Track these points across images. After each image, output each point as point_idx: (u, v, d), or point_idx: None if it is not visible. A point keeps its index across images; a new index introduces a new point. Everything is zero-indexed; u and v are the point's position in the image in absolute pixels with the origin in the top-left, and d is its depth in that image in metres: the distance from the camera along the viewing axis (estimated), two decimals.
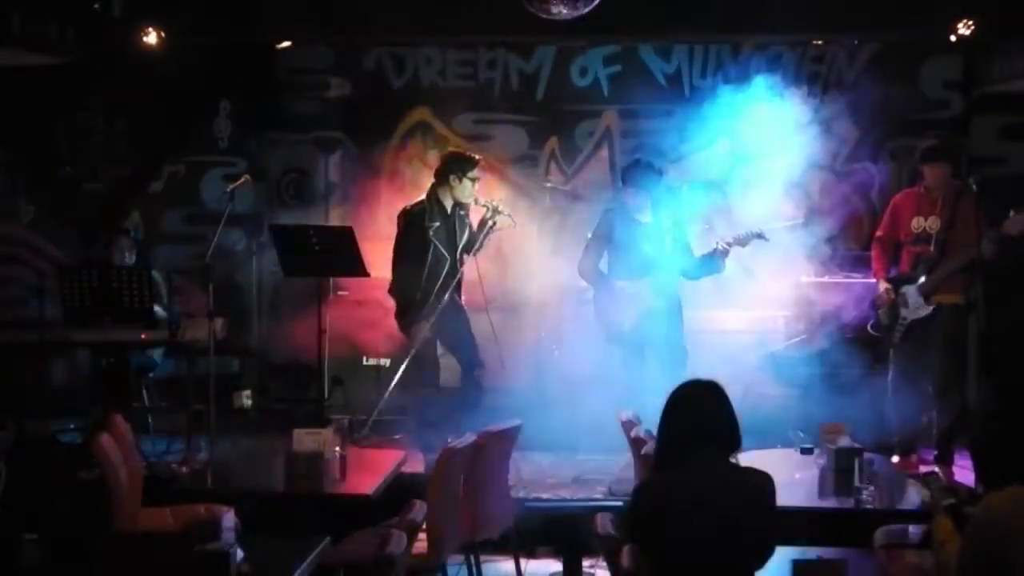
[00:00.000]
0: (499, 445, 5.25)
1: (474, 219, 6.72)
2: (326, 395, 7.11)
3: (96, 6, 7.65)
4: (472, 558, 5.20)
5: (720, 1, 7.62)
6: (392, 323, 6.82)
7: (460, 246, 6.64)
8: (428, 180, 6.84)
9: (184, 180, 8.80)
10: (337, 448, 4.92)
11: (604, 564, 4.46)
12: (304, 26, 8.00)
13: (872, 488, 4.74)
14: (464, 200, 6.63)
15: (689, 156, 8.33)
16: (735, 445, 3.63)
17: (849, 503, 4.74)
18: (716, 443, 3.58)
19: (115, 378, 6.93)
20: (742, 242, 6.66)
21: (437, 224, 6.55)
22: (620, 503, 5.48)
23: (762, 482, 3.58)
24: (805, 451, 5.43)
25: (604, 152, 8.62)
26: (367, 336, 7.41)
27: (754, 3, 7.59)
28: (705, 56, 8.47)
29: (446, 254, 6.57)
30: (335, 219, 8.09)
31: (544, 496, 6.12)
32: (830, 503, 4.79)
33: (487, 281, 6.98)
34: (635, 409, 5.48)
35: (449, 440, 5.21)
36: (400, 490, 5.12)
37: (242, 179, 6.93)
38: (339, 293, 7.69)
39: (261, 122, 8.48)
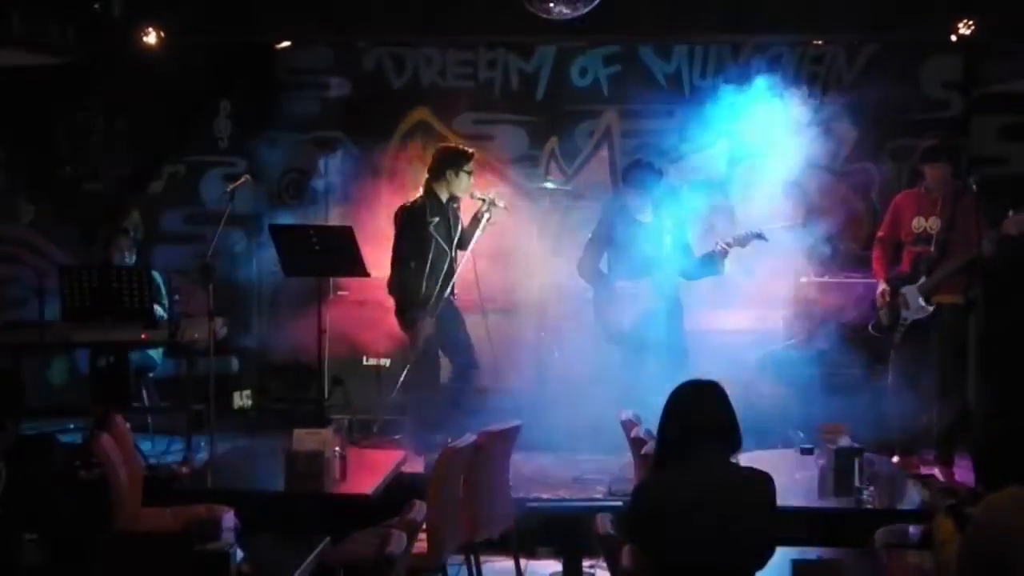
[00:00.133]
0: (499, 445, 5.25)
1: (467, 213, 6.73)
2: (326, 395, 7.11)
3: (96, 6, 7.65)
4: (472, 558, 5.20)
5: (720, 1, 7.62)
6: (392, 323, 6.83)
7: (455, 240, 6.67)
8: None
9: (184, 180, 8.80)
10: (337, 448, 4.92)
11: (604, 564, 4.46)
12: (304, 26, 8.00)
13: (872, 488, 4.74)
14: (460, 194, 6.66)
15: (689, 156, 8.34)
16: (735, 445, 3.63)
17: (849, 503, 4.74)
18: (716, 443, 3.58)
19: (115, 378, 6.93)
20: (742, 243, 6.66)
21: (437, 219, 6.58)
22: (620, 503, 5.48)
23: (762, 482, 3.58)
24: (805, 451, 5.42)
25: (604, 152, 8.62)
26: (367, 336, 7.42)
27: (754, 3, 7.59)
28: (705, 56, 8.47)
29: (446, 248, 6.60)
30: (335, 219, 8.08)
31: (544, 496, 6.12)
32: (830, 503, 4.78)
33: (487, 281, 7.00)
34: (635, 409, 5.47)
35: (449, 440, 5.21)
36: (400, 490, 5.12)
37: (242, 179, 6.93)
38: (339, 293, 7.69)
39: (261, 122, 8.48)
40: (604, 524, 3.98)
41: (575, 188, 8.36)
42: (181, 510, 4.78)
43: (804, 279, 7.44)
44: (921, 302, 6.46)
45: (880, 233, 6.81)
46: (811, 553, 3.82)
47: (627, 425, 5.32)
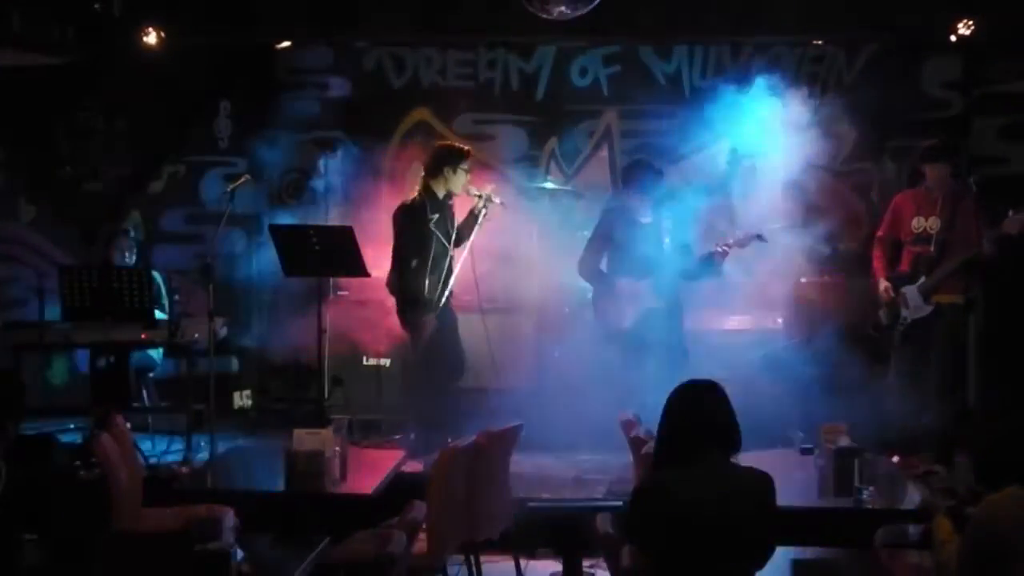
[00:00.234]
0: (499, 445, 5.24)
1: (461, 210, 6.74)
2: (326, 395, 7.10)
3: (96, 6, 7.66)
4: (472, 558, 5.20)
5: (720, 1, 7.62)
6: (392, 323, 6.83)
7: (452, 237, 6.68)
8: None
9: (184, 180, 8.81)
10: (337, 448, 4.92)
11: (604, 564, 4.46)
12: (304, 26, 8.01)
13: (872, 488, 4.74)
14: (457, 191, 6.67)
15: (689, 156, 8.34)
16: (735, 445, 3.63)
17: (849, 503, 4.73)
18: (716, 443, 3.57)
19: (115, 378, 6.93)
20: (741, 244, 6.66)
21: (437, 216, 6.59)
22: (620, 503, 5.47)
23: (762, 482, 3.58)
24: (805, 451, 5.42)
25: (604, 152, 8.63)
26: (367, 336, 7.42)
27: (754, 3, 7.60)
28: (705, 56, 8.47)
29: (447, 245, 6.61)
30: (335, 219, 8.08)
31: (544, 496, 6.12)
32: (830, 503, 4.78)
33: (487, 281, 7.00)
34: (635, 409, 5.47)
35: (449, 440, 5.21)
36: (400, 490, 5.12)
37: (242, 179, 6.93)
38: (339, 293, 7.69)
39: (261, 122, 8.48)
40: (604, 524, 3.98)
41: (575, 188, 8.36)
42: (181, 510, 4.77)
43: (804, 279, 7.44)
44: (921, 302, 6.47)
45: (880, 233, 6.81)
46: (811, 553, 3.82)
47: (627, 425, 5.32)
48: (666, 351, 6.62)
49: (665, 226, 6.74)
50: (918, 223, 6.52)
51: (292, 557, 3.75)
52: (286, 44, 8.44)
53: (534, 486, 6.24)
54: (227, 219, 6.70)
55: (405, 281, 6.56)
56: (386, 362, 7.53)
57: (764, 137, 7.45)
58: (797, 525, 4.21)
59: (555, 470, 6.62)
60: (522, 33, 7.94)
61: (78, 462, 5.58)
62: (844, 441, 4.91)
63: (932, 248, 6.44)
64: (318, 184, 8.52)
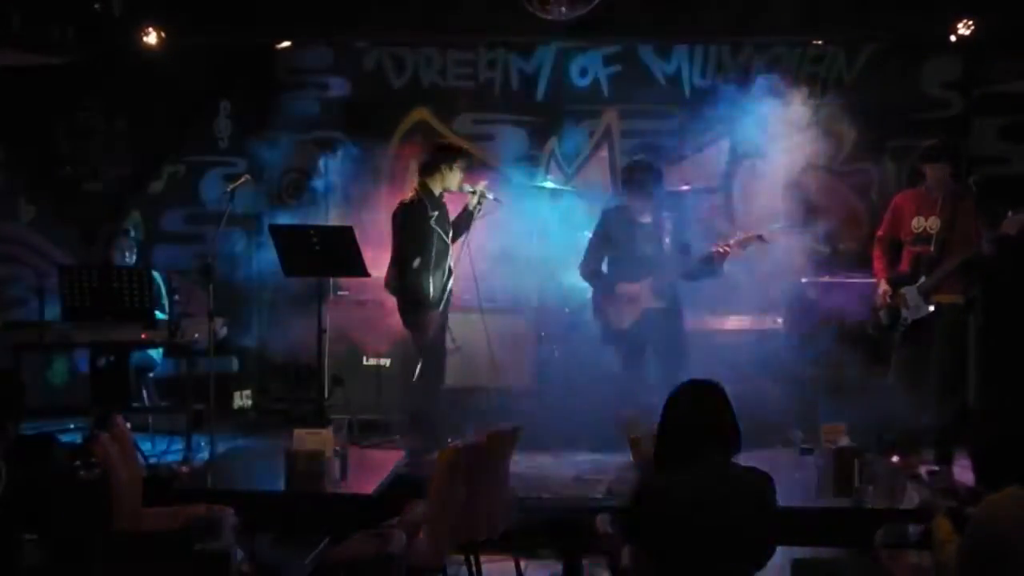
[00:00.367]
0: (499, 445, 5.24)
1: (452, 207, 6.75)
2: (326, 395, 7.10)
3: (96, 6, 7.66)
4: (472, 558, 5.19)
5: (720, 1, 7.62)
6: (392, 323, 6.83)
7: (451, 233, 6.69)
8: None
9: (184, 180, 8.80)
10: (337, 448, 4.92)
11: (604, 564, 4.46)
12: (304, 26, 8.01)
13: (872, 488, 4.74)
14: (453, 188, 6.68)
15: (689, 156, 8.34)
16: (735, 445, 3.63)
17: (849, 503, 4.74)
18: (716, 443, 3.58)
19: (115, 378, 6.93)
20: (742, 244, 6.65)
21: (437, 214, 6.60)
22: (620, 503, 5.47)
23: (762, 482, 3.58)
24: (805, 451, 5.42)
25: (604, 152, 8.62)
26: (367, 336, 7.42)
27: (754, 3, 7.59)
28: (705, 56, 8.46)
29: (447, 242, 6.62)
30: (335, 219, 8.08)
31: (544, 496, 6.12)
32: (830, 503, 4.79)
33: (487, 281, 7.01)
34: (635, 409, 5.47)
35: (449, 440, 5.21)
36: (400, 490, 5.12)
37: (242, 179, 6.93)
38: (339, 293, 7.69)
39: (261, 122, 8.48)
40: (604, 524, 3.98)
41: (575, 188, 8.36)
42: (181, 510, 4.78)
43: (804, 279, 7.44)
44: (921, 302, 6.46)
45: (880, 233, 6.81)
46: (811, 553, 3.83)
47: (627, 425, 5.32)
48: (666, 351, 6.63)
49: (665, 226, 6.73)
50: (918, 223, 6.52)
51: (292, 557, 3.76)
52: (286, 44, 8.44)
53: (534, 486, 6.24)
54: (227, 219, 6.70)
55: (407, 280, 6.56)
56: (386, 362, 7.54)
57: (764, 137, 7.46)
58: (797, 525, 4.21)
59: (555, 470, 6.61)
60: (522, 33, 7.94)
61: (78, 462, 5.55)
62: (844, 441, 4.92)
63: (932, 248, 6.44)
64: (318, 184, 8.52)
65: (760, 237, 6.65)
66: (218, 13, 7.81)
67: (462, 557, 5.18)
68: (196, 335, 6.62)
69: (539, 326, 7.62)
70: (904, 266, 6.61)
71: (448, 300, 6.68)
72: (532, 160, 8.56)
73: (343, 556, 4.36)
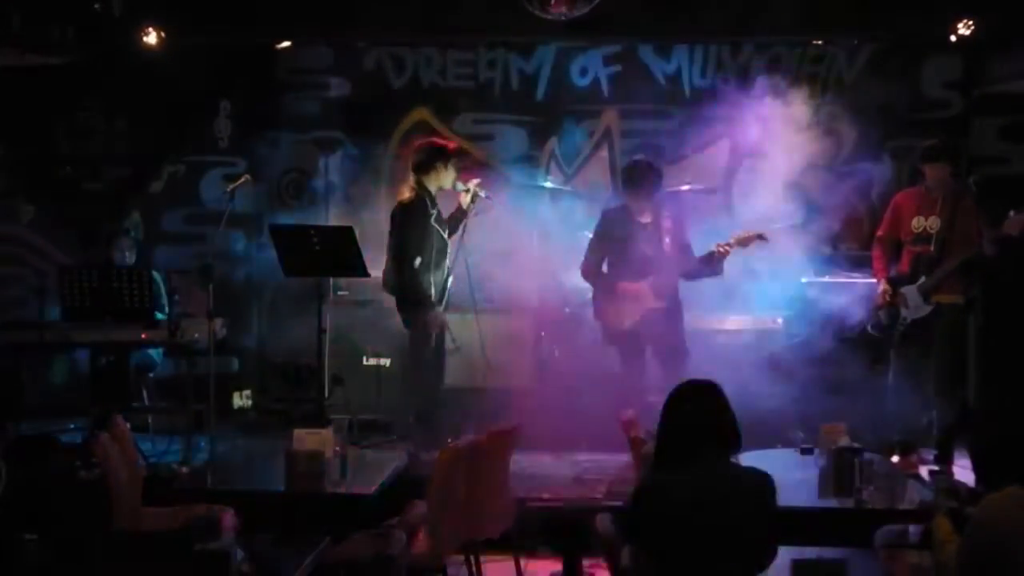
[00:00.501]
0: (499, 445, 5.24)
1: (445, 205, 6.75)
2: (326, 395, 7.10)
3: (96, 6, 7.66)
4: (472, 558, 5.19)
5: (720, 1, 7.62)
6: (392, 323, 6.83)
7: (447, 231, 6.71)
8: None
9: (184, 180, 8.80)
10: (337, 448, 4.92)
11: (604, 564, 4.46)
12: (304, 26, 8.01)
13: (872, 488, 4.74)
14: (448, 186, 6.69)
15: (689, 156, 8.34)
16: (735, 445, 3.63)
17: (849, 503, 4.74)
18: (716, 443, 3.58)
19: (115, 378, 6.92)
20: (742, 244, 6.65)
21: (435, 212, 6.61)
22: (620, 503, 5.47)
23: (762, 482, 3.59)
24: (805, 451, 5.43)
25: (604, 152, 8.62)
26: (367, 336, 7.42)
27: (754, 3, 7.59)
28: (705, 56, 8.46)
29: (446, 239, 6.63)
30: (335, 219, 8.08)
31: (544, 496, 6.11)
32: (830, 503, 4.79)
33: (487, 281, 7.01)
34: (635, 409, 5.47)
35: (449, 440, 5.21)
36: (400, 490, 5.12)
37: (242, 179, 6.92)
38: (339, 293, 7.69)
39: (261, 122, 8.48)
40: (604, 524, 3.98)
41: (575, 188, 8.36)
42: (181, 510, 4.78)
43: (804, 279, 7.44)
44: (921, 302, 6.46)
45: (880, 232, 6.81)
46: (811, 553, 3.82)
47: (627, 425, 5.32)
48: (666, 351, 6.63)
49: (665, 226, 6.73)
50: (918, 223, 6.52)
51: (292, 557, 3.75)
52: (286, 44, 8.44)
53: (534, 486, 6.24)
54: (227, 219, 6.70)
55: (408, 279, 6.55)
56: (386, 362, 7.53)
57: (764, 137, 7.46)
58: (797, 525, 4.21)
59: (555, 470, 6.61)
60: (522, 33, 7.94)
61: (78, 462, 5.55)
62: (844, 441, 4.92)
63: (932, 248, 6.44)
64: (318, 184, 8.52)
65: (760, 236, 6.65)
66: (218, 13, 7.81)
67: (462, 557, 5.18)
68: (196, 335, 6.62)
69: (539, 326, 7.62)
70: (904, 266, 6.61)
71: (448, 299, 6.69)
72: (532, 160, 8.56)
73: (343, 556, 4.36)
